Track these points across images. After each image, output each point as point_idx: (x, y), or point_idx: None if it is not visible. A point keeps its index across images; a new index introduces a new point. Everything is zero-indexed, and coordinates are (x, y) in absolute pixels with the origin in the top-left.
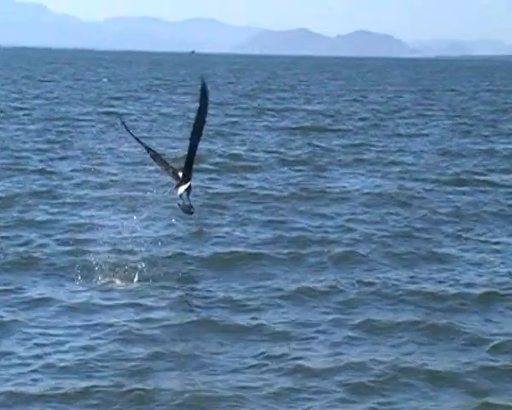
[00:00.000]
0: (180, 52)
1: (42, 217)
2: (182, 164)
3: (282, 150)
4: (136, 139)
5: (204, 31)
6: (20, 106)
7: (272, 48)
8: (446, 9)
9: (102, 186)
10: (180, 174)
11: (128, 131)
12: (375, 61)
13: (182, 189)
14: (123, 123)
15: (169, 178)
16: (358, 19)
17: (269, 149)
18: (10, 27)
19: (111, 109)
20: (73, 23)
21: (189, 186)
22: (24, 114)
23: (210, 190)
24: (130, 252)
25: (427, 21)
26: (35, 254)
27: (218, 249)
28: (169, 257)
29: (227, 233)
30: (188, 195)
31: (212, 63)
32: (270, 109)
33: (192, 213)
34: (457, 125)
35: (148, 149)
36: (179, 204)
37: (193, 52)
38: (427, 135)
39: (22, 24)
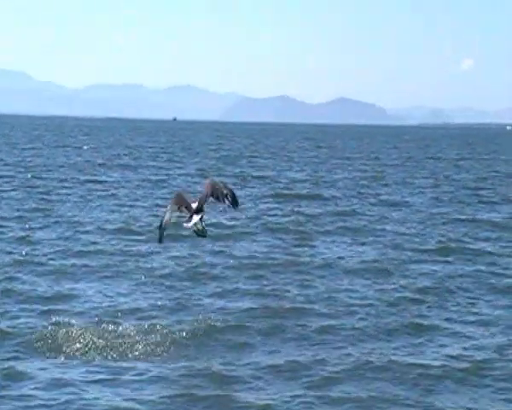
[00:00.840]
0: (162, 119)
1: (21, 286)
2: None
3: (265, 218)
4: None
5: (186, 98)
6: (1, 173)
7: (254, 114)
8: (426, 76)
9: (84, 255)
10: (194, 205)
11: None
12: (356, 127)
13: (197, 217)
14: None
15: (181, 213)
16: (339, 86)
17: (252, 217)
18: None
19: (93, 177)
20: (55, 90)
21: (202, 215)
22: (4, 182)
23: (193, 259)
24: (111, 323)
25: (408, 88)
26: (11, 327)
27: (200, 319)
28: (149, 328)
29: (209, 303)
30: (201, 221)
31: (195, 130)
32: (252, 176)
33: (205, 236)
34: (440, 193)
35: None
36: (194, 230)
37: (175, 119)
38: (409, 203)
39: (4, 90)
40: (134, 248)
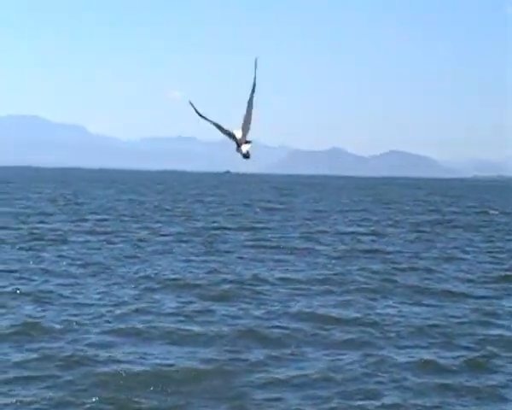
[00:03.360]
0: (215, 171)
1: None
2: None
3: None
4: (204, 118)
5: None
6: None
7: (306, 167)
8: (478, 129)
9: None
10: (239, 135)
11: (197, 112)
12: (406, 180)
13: (245, 147)
14: (192, 104)
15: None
16: (392, 138)
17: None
18: (50, 147)
19: (153, 225)
20: (111, 143)
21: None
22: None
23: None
24: None
25: (462, 141)
26: None
27: None
28: None
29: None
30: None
31: (247, 183)
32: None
33: (249, 157)
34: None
35: (214, 123)
36: (243, 154)
37: (227, 171)
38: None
39: (62, 143)
40: None
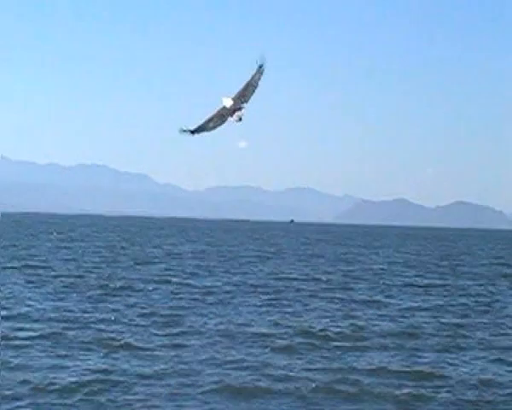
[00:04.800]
0: (280, 221)
1: None
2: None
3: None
4: (199, 129)
5: (303, 200)
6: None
7: (371, 217)
8: None
9: None
10: (229, 104)
11: (185, 131)
12: (473, 232)
13: (238, 113)
14: (184, 130)
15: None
16: (458, 189)
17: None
18: (116, 196)
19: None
20: (176, 192)
21: (239, 108)
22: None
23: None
24: None
25: None
26: None
27: None
28: None
29: None
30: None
31: (311, 232)
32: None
33: (241, 119)
34: None
35: (207, 125)
36: (236, 120)
37: (292, 221)
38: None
39: (127, 192)
40: None
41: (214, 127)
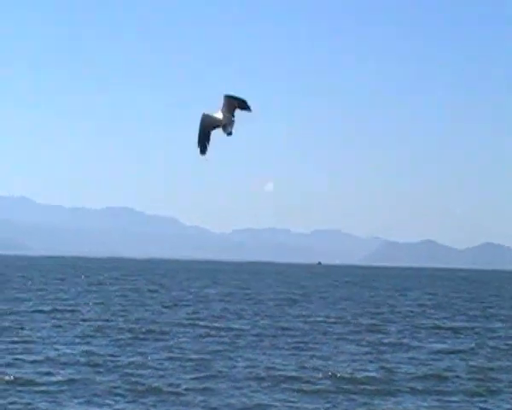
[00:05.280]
0: (307, 263)
1: None
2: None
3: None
4: (201, 142)
5: (330, 241)
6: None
7: (398, 259)
8: None
9: None
10: (221, 117)
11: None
12: (503, 273)
13: (228, 128)
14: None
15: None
16: (487, 231)
17: None
18: (144, 239)
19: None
20: (203, 235)
21: (232, 120)
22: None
23: None
24: None
25: None
26: None
27: None
28: None
29: None
30: (231, 125)
31: (340, 274)
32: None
33: (231, 133)
34: None
35: (204, 133)
36: (227, 133)
37: (319, 263)
38: None
39: (155, 235)
40: None
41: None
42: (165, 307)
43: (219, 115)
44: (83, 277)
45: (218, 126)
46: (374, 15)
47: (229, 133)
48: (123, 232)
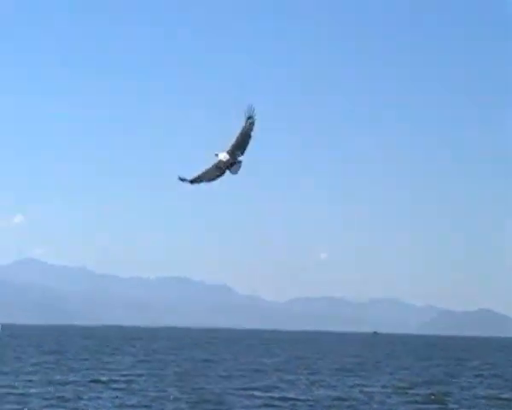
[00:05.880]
0: (362, 332)
1: None
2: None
3: None
4: (196, 180)
5: (385, 311)
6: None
7: (453, 327)
8: None
9: None
10: (225, 159)
11: (183, 180)
12: None
13: (235, 167)
14: (181, 179)
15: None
16: None
17: None
18: (199, 308)
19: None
20: (258, 304)
21: (236, 162)
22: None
23: None
24: None
25: None
26: None
27: None
28: None
29: None
30: (237, 166)
31: (395, 344)
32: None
33: (237, 172)
34: None
35: (196, 179)
36: (232, 172)
37: (375, 333)
38: None
39: (208, 305)
40: None
41: (212, 179)
42: (221, 376)
43: (224, 156)
44: (138, 346)
45: (220, 169)
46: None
47: (233, 173)
48: (178, 301)
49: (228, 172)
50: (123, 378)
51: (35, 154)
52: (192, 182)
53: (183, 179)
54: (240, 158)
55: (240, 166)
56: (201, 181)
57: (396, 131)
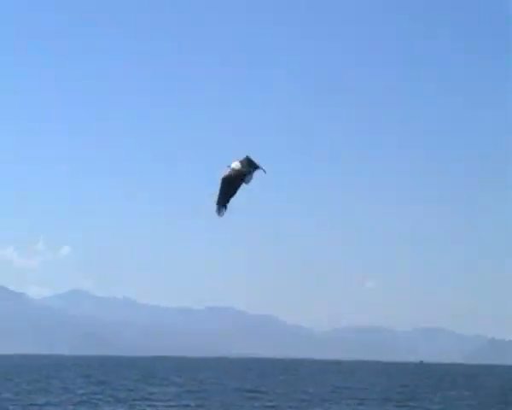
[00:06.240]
0: (409, 361)
1: None
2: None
3: None
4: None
5: (432, 339)
6: None
7: (503, 357)
8: None
9: None
10: (237, 167)
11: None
12: None
13: (247, 179)
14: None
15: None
16: None
17: None
18: (244, 338)
19: None
20: (304, 333)
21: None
22: None
23: None
24: None
25: None
26: None
27: None
28: None
29: None
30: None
31: (443, 373)
32: None
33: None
34: None
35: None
36: (245, 182)
37: (421, 362)
38: None
39: (255, 334)
40: None
41: (233, 194)
42: (267, 407)
43: (237, 165)
44: (184, 376)
45: (240, 177)
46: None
47: (247, 182)
48: (223, 331)
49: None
50: (169, 409)
51: (85, 183)
52: (225, 206)
53: (221, 209)
54: (252, 171)
55: (251, 177)
56: (228, 199)
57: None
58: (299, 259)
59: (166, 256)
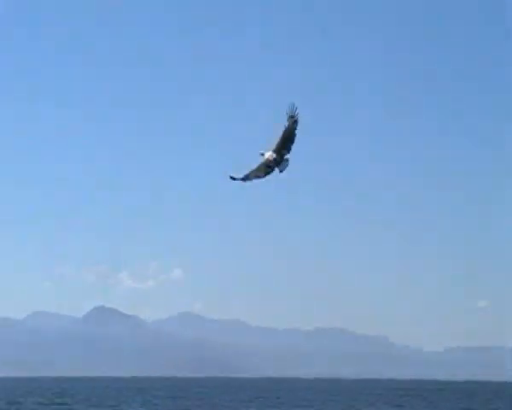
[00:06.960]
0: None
1: None
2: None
3: None
4: (246, 178)
5: None
6: None
7: None
8: None
9: None
10: (271, 157)
11: (234, 179)
12: None
13: (282, 166)
14: (233, 178)
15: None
16: None
17: None
18: (353, 359)
19: None
20: (414, 354)
21: (282, 160)
22: None
23: None
24: None
25: None
26: None
27: None
28: None
29: None
30: (284, 163)
31: None
32: None
33: (283, 171)
34: None
35: (246, 177)
36: (280, 169)
37: None
38: None
39: (365, 355)
40: None
41: (260, 176)
42: None
43: (270, 155)
44: (282, 398)
45: (269, 167)
46: None
47: (281, 171)
48: (335, 353)
49: (277, 170)
50: None
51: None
52: (243, 179)
53: (234, 178)
54: (286, 156)
55: (287, 164)
56: (251, 179)
57: None
58: (408, 280)
59: (274, 279)
